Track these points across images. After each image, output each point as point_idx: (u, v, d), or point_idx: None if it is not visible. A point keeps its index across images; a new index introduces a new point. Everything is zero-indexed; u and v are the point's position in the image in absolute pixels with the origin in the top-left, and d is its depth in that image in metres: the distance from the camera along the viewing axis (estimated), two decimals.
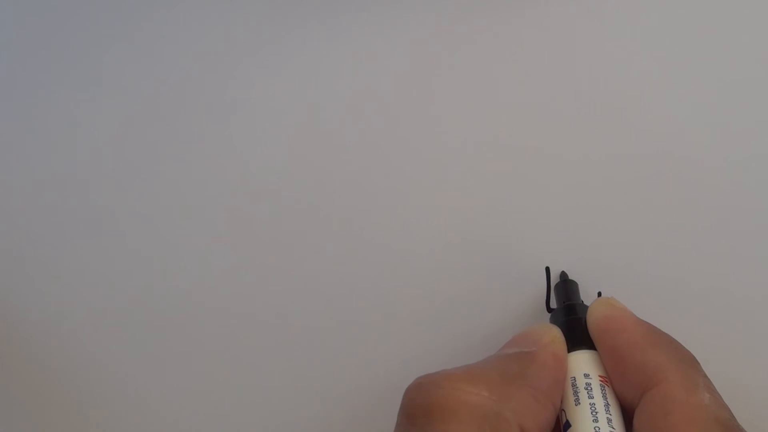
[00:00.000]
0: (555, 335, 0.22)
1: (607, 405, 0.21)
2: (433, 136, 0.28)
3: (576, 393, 0.22)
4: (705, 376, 0.21)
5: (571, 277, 0.28)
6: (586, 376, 0.22)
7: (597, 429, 0.21)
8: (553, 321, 0.25)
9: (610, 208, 0.27)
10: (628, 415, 0.21)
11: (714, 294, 0.27)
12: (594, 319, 0.23)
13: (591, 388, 0.21)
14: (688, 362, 0.21)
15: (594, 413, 0.21)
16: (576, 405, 0.21)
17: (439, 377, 0.20)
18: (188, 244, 0.29)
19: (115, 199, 0.29)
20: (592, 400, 0.21)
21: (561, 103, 0.27)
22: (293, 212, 0.29)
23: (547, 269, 0.28)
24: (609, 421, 0.21)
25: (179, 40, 0.29)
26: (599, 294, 0.28)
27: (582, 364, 0.22)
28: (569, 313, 0.25)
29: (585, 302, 0.26)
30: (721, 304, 0.27)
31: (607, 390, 0.22)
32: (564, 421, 0.22)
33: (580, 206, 0.28)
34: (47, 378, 0.31)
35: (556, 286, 0.27)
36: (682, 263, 0.27)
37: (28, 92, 0.29)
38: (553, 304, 0.27)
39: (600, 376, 0.22)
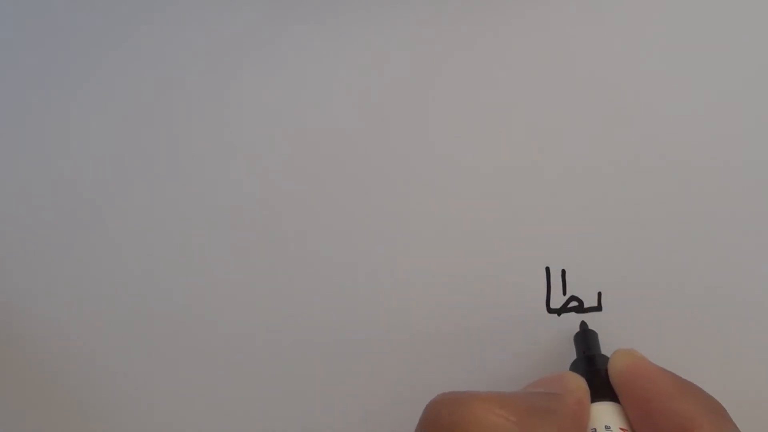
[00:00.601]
0: (580, 383, 0.22)
1: None
2: (433, 136, 0.28)
3: None
4: (734, 425, 0.21)
5: (571, 276, 0.28)
6: (607, 428, 0.22)
7: None
8: (574, 371, 0.25)
9: (612, 209, 0.27)
10: None
11: (715, 295, 0.27)
12: (617, 370, 0.23)
13: None
14: (719, 412, 0.21)
15: None
16: None
17: (466, 396, 0.20)
18: (191, 246, 0.29)
19: (116, 201, 0.29)
20: None
21: (562, 104, 0.27)
22: (294, 216, 0.29)
23: (547, 269, 0.28)
24: None
25: (177, 40, 0.29)
26: (599, 294, 0.28)
27: (603, 415, 0.22)
28: (590, 364, 0.25)
29: (605, 353, 0.26)
30: (722, 306, 0.27)
31: None
32: None
33: (582, 207, 0.28)
34: (47, 378, 0.31)
35: (576, 336, 0.27)
36: (682, 264, 0.27)
37: (24, 93, 0.29)
38: (574, 355, 0.27)
39: (621, 428, 0.22)
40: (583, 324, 0.27)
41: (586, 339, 0.27)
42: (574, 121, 0.27)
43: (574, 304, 0.28)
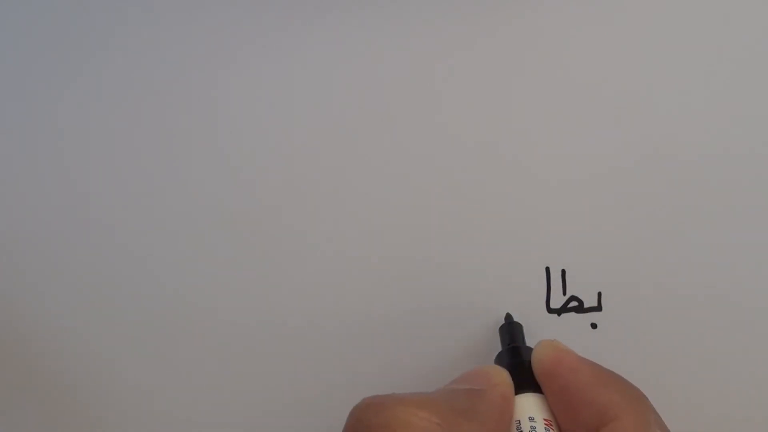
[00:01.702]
0: (504, 377, 0.22)
1: None
2: (433, 136, 0.28)
3: None
4: (656, 413, 0.21)
5: (571, 277, 0.28)
6: (531, 419, 0.22)
7: None
8: (498, 362, 0.25)
9: (612, 209, 0.28)
10: None
11: (714, 294, 0.27)
12: (539, 361, 0.23)
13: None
14: (639, 400, 0.21)
15: None
16: None
17: (389, 399, 0.20)
18: (189, 245, 0.29)
19: (116, 200, 0.29)
20: None
21: (563, 105, 0.27)
22: (289, 214, 0.29)
23: (547, 269, 0.28)
24: None
25: (176, 40, 0.29)
26: (599, 294, 0.28)
27: (527, 407, 0.22)
28: (514, 356, 0.25)
29: (529, 344, 0.26)
30: (721, 305, 0.28)
31: None
32: None
33: (582, 208, 0.28)
34: (47, 376, 0.31)
35: (501, 328, 0.27)
36: (681, 264, 0.27)
37: (25, 94, 0.29)
38: (500, 347, 0.27)
39: (545, 419, 0.22)
40: (508, 316, 0.28)
41: (510, 331, 0.27)
42: (575, 122, 0.27)
43: (574, 304, 0.28)
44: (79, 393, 0.31)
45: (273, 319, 0.29)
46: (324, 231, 0.29)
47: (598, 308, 0.28)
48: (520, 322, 0.28)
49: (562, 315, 0.28)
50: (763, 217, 0.27)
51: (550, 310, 0.28)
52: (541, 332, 0.28)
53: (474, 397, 0.21)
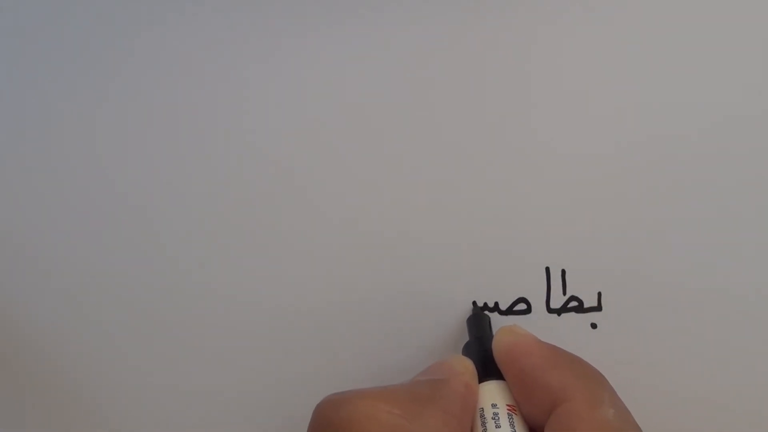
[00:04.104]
0: (467, 366, 0.23)
1: None
2: (433, 135, 0.28)
3: (484, 423, 0.22)
4: (611, 391, 0.21)
5: (571, 276, 0.28)
6: (494, 406, 0.22)
7: None
8: (465, 353, 0.26)
9: (612, 209, 0.28)
10: None
11: (714, 293, 0.27)
12: (499, 347, 0.23)
13: (498, 418, 0.22)
14: (593, 379, 0.21)
15: None
16: None
17: (351, 394, 0.20)
18: (189, 243, 0.29)
19: (119, 198, 0.29)
20: (499, 430, 0.22)
21: (562, 105, 0.27)
22: (290, 210, 0.29)
23: (547, 269, 0.28)
24: None
25: (186, 44, 0.29)
26: (599, 294, 0.28)
27: (490, 394, 0.23)
28: (479, 345, 0.25)
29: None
30: (720, 304, 0.28)
31: (515, 418, 0.22)
32: None
33: (582, 207, 0.28)
34: (47, 376, 0.31)
35: (468, 319, 0.28)
36: (681, 264, 0.27)
37: (25, 95, 0.29)
38: (467, 337, 0.27)
39: (508, 405, 0.22)
40: (475, 307, 0.28)
41: (476, 321, 0.27)
42: (575, 122, 0.27)
43: (574, 304, 0.28)
44: (79, 393, 0.31)
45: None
46: (334, 237, 0.29)
47: (598, 308, 0.28)
48: (519, 320, 0.28)
49: (562, 315, 0.28)
50: (763, 217, 0.27)
51: (550, 310, 0.28)
52: (541, 332, 0.28)
53: (436, 386, 0.22)
